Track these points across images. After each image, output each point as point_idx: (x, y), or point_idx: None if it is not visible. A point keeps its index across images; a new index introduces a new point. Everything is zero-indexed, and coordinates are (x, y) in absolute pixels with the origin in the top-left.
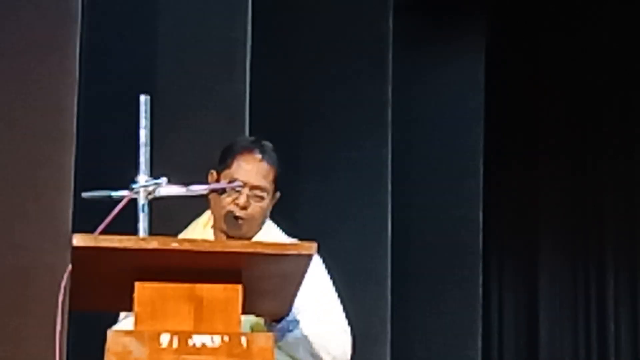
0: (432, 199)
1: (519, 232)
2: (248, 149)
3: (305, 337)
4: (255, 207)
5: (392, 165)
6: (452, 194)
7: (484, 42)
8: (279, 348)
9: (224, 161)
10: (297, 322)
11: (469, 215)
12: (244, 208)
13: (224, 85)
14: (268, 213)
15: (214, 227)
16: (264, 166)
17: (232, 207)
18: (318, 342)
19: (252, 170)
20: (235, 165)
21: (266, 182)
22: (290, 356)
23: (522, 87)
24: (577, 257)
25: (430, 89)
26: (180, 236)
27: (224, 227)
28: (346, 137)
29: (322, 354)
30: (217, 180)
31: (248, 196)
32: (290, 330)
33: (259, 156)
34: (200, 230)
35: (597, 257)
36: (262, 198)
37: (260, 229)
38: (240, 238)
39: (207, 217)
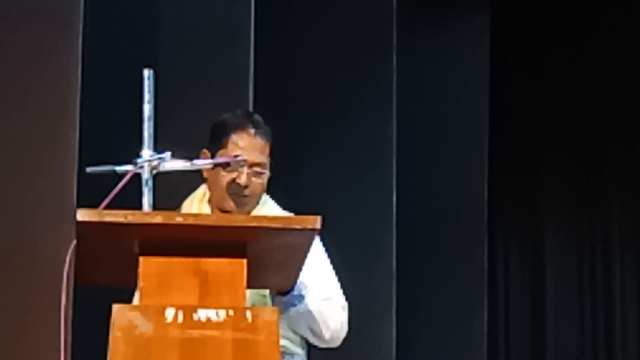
0: (437, 174)
1: (525, 207)
2: (241, 126)
3: (309, 312)
4: (256, 183)
5: (397, 140)
6: (458, 169)
7: (489, 13)
8: (293, 317)
9: (217, 140)
10: (302, 297)
11: (474, 191)
12: (245, 186)
13: (227, 59)
14: (265, 186)
15: (211, 202)
16: (260, 141)
17: (234, 189)
18: (319, 318)
19: (248, 147)
20: (230, 144)
21: (264, 157)
22: (292, 331)
23: (528, 57)
24: (582, 233)
25: (435, 63)
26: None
27: (226, 205)
28: (350, 112)
29: (322, 329)
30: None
31: (248, 174)
32: (294, 305)
33: (253, 131)
34: (197, 205)
35: (603, 236)
36: (261, 174)
37: (258, 203)
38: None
39: (202, 191)
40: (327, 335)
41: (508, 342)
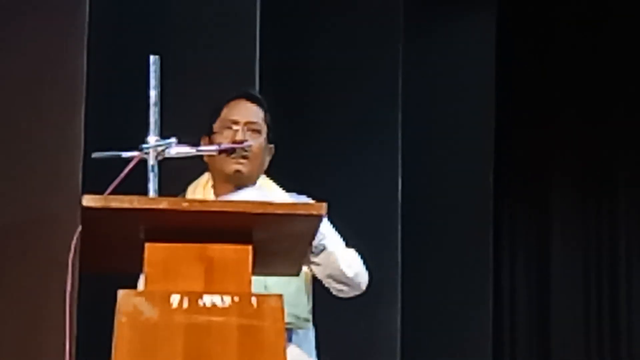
0: (443, 164)
1: (531, 198)
2: (236, 97)
3: (334, 254)
4: (254, 141)
5: (403, 130)
6: (464, 160)
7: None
8: (318, 265)
9: (213, 115)
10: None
11: (480, 176)
12: (242, 142)
13: (234, 45)
14: (265, 163)
15: (214, 186)
16: (254, 107)
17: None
18: (344, 259)
19: (242, 109)
20: (224, 112)
21: (259, 119)
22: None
23: (534, 44)
24: (589, 226)
25: (441, 50)
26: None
27: (227, 168)
28: (356, 101)
29: (347, 270)
30: (209, 142)
31: (244, 132)
32: (322, 250)
33: (246, 100)
34: (201, 191)
35: (610, 228)
36: (258, 132)
37: (258, 176)
38: (243, 183)
39: (205, 178)
40: (350, 273)
41: (513, 331)
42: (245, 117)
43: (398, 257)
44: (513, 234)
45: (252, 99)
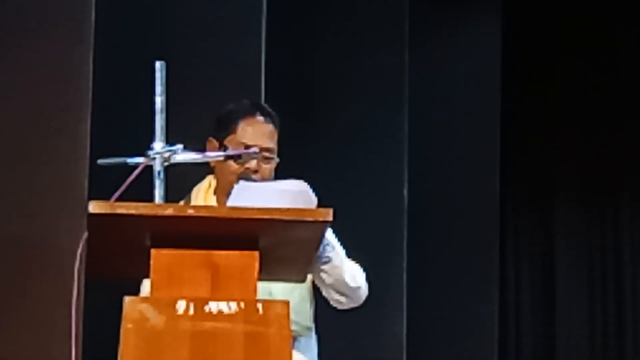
0: (448, 167)
1: (537, 201)
2: (250, 113)
3: (339, 266)
4: (265, 169)
5: (409, 133)
6: (469, 163)
7: (500, 2)
8: (324, 272)
9: (225, 128)
10: (329, 257)
11: (486, 182)
12: (255, 172)
13: (239, 51)
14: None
15: (217, 192)
16: (269, 127)
17: (244, 174)
18: (348, 270)
19: (257, 133)
20: (240, 129)
21: (272, 144)
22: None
23: (540, 46)
24: (594, 227)
25: (447, 53)
26: (183, 203)
27: (233, 176)
28: (362, 104)
29: (350, 281)
30: (219, 148)
31: (258, 160)
32: (328, 260)
33: (262, 118)
34: (202, 197)
35: (614, 228)
36: (271, 159)
37: None
38: None
39: (207, 183)
40: (353, 284)
41: (519, 335)
42: (262, 142)
43: (403, 264)
44: (518, 240)
45: (266, 115)
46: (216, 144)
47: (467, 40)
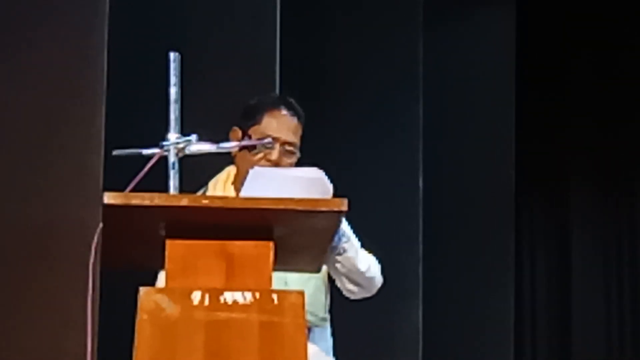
0: (463, 157)
1: (552, 190)
2: (276, 106)
3: (354, 257)
4: (286, 162)
5: (424, 123)
6: (484, 152)
7: None
8: (339, 262)
9: (251, 117)
10: (344, 248)
11: (501, 174)
12: (276, 164)
13: (254, 41)
14: None
15: (235, 183)
16: (294, 122)
17: (264, 164)
18: (363, 259)
19: (282, 126)
20: (265, 121)
21: (296, 138)
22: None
23: (554, 36)
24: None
25: (462, 42)
26: (200, 194)
27: (251, 167)
28: (377, 95)
29: (365, 270)
30: (242, 137)
31: (280, 152)
32: (343, 251)
33: (288, 112)
34: (221, 187)
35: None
36: (292, 153)
37: None
38: None
39: (225, 174)
40: (368, 274)
41: (534, 325)
42: (285, 135)
43: (419, 253)
44: (534, 229)
45: (292, 110)
46: (239, 133)
47: (481, 29)
